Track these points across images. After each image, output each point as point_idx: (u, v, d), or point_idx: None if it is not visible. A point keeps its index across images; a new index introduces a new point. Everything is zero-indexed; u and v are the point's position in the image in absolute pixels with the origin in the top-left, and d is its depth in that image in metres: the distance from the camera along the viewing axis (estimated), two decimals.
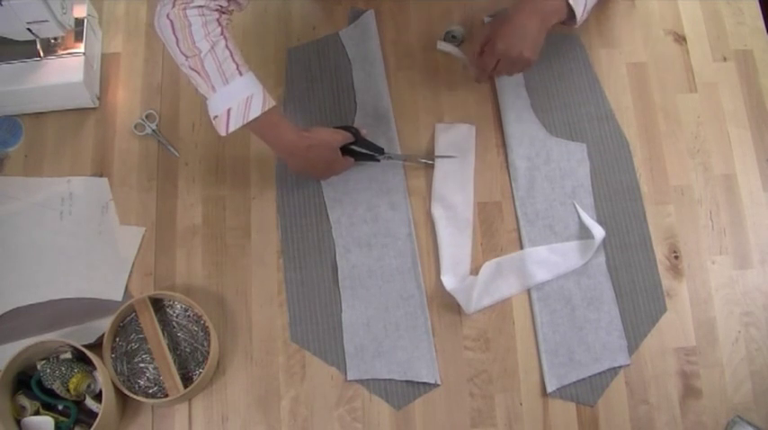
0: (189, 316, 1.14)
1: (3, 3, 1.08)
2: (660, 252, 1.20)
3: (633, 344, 1.15)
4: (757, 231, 1.23)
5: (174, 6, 0.98)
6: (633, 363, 1.14)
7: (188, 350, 1.13)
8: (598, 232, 1.18)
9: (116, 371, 1.09)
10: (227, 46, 1.00)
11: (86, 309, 1.15)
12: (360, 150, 1.20)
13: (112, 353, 1.10)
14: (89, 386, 1.07)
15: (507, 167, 1.25)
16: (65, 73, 1.21)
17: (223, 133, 1.03)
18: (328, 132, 1.15)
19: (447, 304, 1.17)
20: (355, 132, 1.18)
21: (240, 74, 1.00)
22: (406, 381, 1.13)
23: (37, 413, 1.06)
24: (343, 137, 1.16)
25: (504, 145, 1.26)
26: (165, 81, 1.30)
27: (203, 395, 1.13)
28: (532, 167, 1.24)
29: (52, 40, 1.22)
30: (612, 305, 1.17)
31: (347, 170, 1.22)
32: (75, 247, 1.19)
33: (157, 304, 1.14)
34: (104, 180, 1.23)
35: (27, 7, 1.10)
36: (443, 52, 1.31)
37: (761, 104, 1.30)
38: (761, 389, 1.14)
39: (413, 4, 1.35)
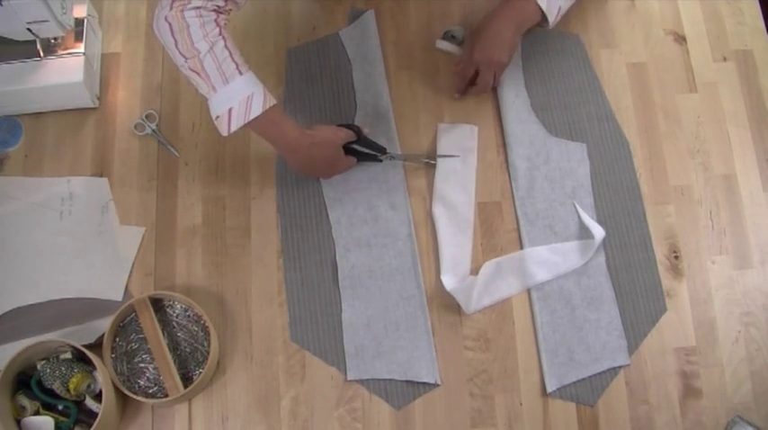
0: (189, 316, 1.14)
1: (3, 3, 1.08)
2: (660, 252, 1.20)
3: (633, 344, 1.15)
4: (757, 231, 1.23)
5: (171, 8, 0.98)
6: (633, 363, 1.14)
7: (188, 350, 1.13)
8: (598, 232, 1.18)
9: (116, 371, 1.09)
10: (225, 46, 1.00)
11: (86, 309, 1.15)
12: (362, 150, 1.20)
13: (112, 353, 1.10)
14: (89, 386, 1.07)
15: (507, 167, 1.25)
16: (65, 73, 1.21)
17: (225, 133, 1.03)
18: (331, 130, 1.15)
19: (447, 304, 1.17)
20: (357, 131, 1.18)
21: (240, 73, 1.01)
22: (406, 381, 1.13)
23: (37, 413, 1.06)
24: (346, 134, 1.16)
25: (503, 145, 1.26)
26: (165, 81, 1.30)
27: (203, 395, 1.13)
28: (532, 167, 1.24)
29: (52, 40, 1.22)
30: (612, 305, 1.17)
31: (348, 170, 1.22)
32: (75, 247, 1.19)
33: (157, 304, 1.14)
34: (104, 180, 1.23)
35: (27, 7, 1.10)
36: (443, 52, 1.32)
37: (761, 104, 1.30)
38: (761, 389, 1.14)
39: (413, 4, 1.35)
